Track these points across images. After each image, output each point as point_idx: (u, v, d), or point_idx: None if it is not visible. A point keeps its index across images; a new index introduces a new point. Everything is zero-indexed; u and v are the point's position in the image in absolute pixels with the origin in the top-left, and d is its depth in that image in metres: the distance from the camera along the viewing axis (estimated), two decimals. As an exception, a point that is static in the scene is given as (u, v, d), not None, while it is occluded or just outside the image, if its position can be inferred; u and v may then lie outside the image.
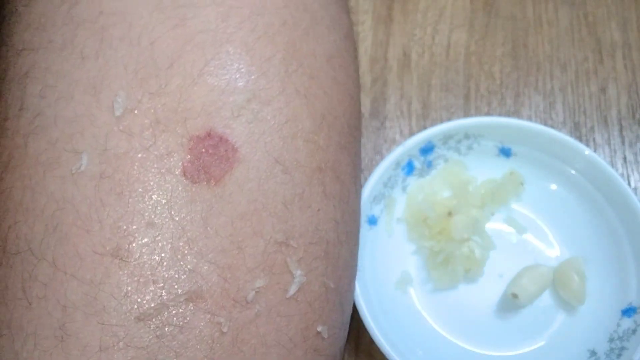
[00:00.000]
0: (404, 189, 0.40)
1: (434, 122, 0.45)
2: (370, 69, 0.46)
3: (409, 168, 0.39)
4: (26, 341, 0.23)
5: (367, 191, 0.37)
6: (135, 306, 0.23)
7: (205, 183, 0.25)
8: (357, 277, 0.34)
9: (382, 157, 0.39)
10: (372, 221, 0.38)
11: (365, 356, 0.38)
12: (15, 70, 0.27)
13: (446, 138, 0.39)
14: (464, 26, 0.48)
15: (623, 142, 0.44)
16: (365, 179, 0.37)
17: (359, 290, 0.34)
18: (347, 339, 0.38)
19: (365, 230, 0.37)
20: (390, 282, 0.38)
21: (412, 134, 0.44)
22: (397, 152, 0.38)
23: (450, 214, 0.38)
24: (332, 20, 0.30)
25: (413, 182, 0.40)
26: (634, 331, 0.34)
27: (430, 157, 0.40)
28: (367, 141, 0.44)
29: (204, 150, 0.25)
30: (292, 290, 0.25)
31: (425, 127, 0.44)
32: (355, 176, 0.31)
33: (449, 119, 0.44)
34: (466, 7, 0.49)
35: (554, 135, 0.39)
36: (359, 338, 0.38)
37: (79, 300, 0.23)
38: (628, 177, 0.43)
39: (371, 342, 0.34)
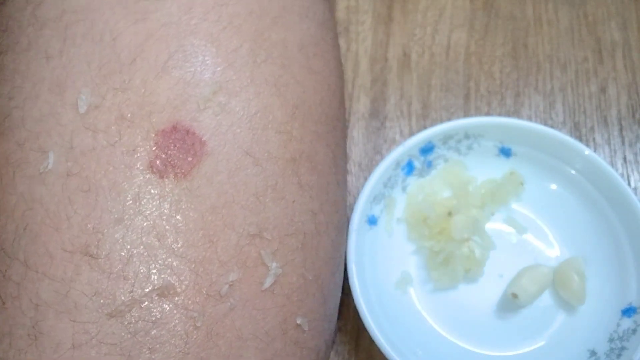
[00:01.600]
0: (404, 189, 0.40)
1: (434, 122, 0.45)
2: (370, 69, 0.46)
3: (409, 168, 0.39)
4: (2, 341, 0.23)
5: (367, 191, 0.36)
6: (107, 303, 0.23)
7: (173, 177, 0.25)
8: (357, 276, 0.34)
9: (382, 157, 0.39)
10: (372, 221, 0.38)
11: (365, 356, 0.38)
12: None
13: (446, 138, 0.39)
14: (464, 26, 0.48)
15: (623, 142, 0.44)
16: (365, 179, 0.37)
17: (359, 290, 0.34)
18: (347, 339, 0.38)
19: (365, 230, 0.37)
20: (390, 282, 0.38)
21: (412, 134, 0.44)
22: (397, 152, 0.38)
23: (450, 214, 0.38)
24: (303, 8, 0.30)
25: (413, 182, 0.40)
26: (634, 331, 0.34)
27: (430, 157, 0.40)
28: (367, 141, 0.44)
29: (170, 144, 0.25)
30: (268, 282, 0.25)
31: (425, 127, 0.44)
32: (335, 166, 0.30)
33: (449, 119, 0.44)
34: (466, 7, 0.49)
35: (554, 135, 0.39)
36: (359, 338, 0.38)
37: (50, 298, 0.23)
38: (628, 177, 0.43)
39: (371, 342, 0.34)
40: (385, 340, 0.33)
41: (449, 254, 0.37)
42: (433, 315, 0.37)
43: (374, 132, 0.44)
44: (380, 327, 0.33)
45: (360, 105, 0.45)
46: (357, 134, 0.44)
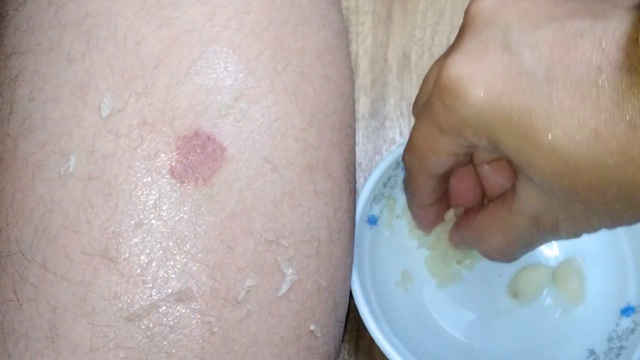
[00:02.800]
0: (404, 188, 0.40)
1: (433, 123, 0.45)
2: (370, 70, 0.46)
3: (409, 168, 0.40)
4: (18, 342, 0.23)
5: (367, 191, 0.37)
6: (125, 306, 0.23)
7: (193, 183, 0.25)
8: (357, 276, 0.34)
9: (382, 157, 0.40)
10: (372, 221, 0.38)
11: (365, 356, 0.38)
12: (5, 74, 0.27)
13: (446, 138, 0.39)
14: (463, 27, 0.48)
15: (622, 142, 0.44)
16: (365, 179, 0.37)
17: (359, 290, 0.34)
18: (347, 339, 0.38)
19: (365, 230, 0.37)
20: (390, 282, 0.38)
21: (412, 134, 0.44)
22: (397, 152, 0.38)
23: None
24: (321, 17, 0.30)
25: (413, 182, 0.40)
26: (633, 330, 0.35)
27: (430, 157, 0.40)
28: (367, 141, 0.44)
29: (191, 149, 0.25)
30: (284, 289, 0.25)
31: (425, 128, 0.44)
32: (348, 174, 0.30)
33: (448, 119, 0.44)
34: (466, 7, 0.49)
35: (554, 135, 0.39)
36: (358, 338, 0.39)
37: (68, 301, 0.23)
38: (627, 177, 0.43)
39: (371, 342, 0.34)
40: (385, 340, 0.33)
41: (446, 250, 0.37)
42: (433, 314, 0.37)
43: (374, 132, 0.44)
44: (380, 327, 0.33)
45: (360, 105, 0.45)
46: (357, 134, 0.44)
